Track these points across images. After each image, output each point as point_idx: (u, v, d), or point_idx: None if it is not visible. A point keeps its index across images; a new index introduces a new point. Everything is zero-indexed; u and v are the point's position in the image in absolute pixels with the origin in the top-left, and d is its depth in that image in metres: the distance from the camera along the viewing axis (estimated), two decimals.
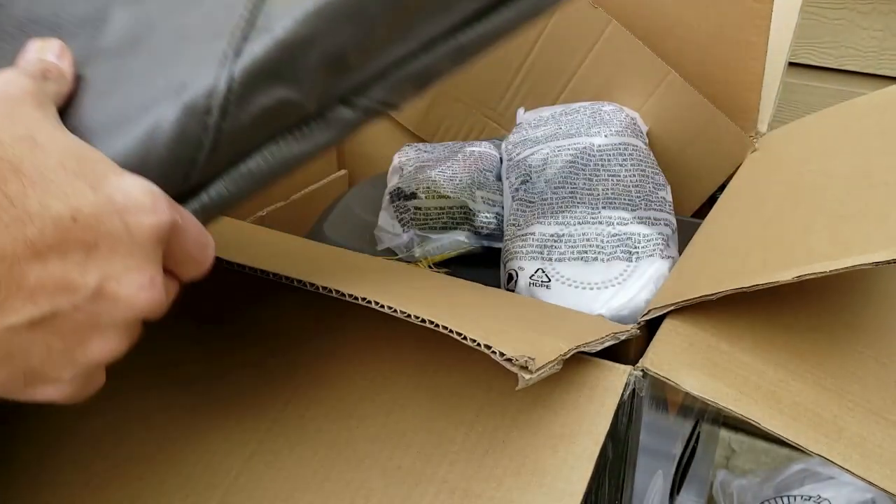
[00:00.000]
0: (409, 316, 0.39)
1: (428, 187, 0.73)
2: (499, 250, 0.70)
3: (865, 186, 0.53)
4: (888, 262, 0.43)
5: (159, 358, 0.52)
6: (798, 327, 0.52)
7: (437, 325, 0.38)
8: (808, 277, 0.45)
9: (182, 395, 0.50)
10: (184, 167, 0.37)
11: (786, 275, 0.46)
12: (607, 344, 0.47)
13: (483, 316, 0.46)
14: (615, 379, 0.47)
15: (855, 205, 0.51)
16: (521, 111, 0.85)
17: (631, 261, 0.63)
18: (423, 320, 0.38)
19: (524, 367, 0.37)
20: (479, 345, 0.37)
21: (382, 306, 0.39)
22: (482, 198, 0.75)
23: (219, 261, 0.43)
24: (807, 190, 0.58)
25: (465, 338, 0.37)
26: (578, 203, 0.67)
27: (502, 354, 0.37)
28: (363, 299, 0.40)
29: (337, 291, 0.41)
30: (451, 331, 0.38)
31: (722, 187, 0.78)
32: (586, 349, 0.45)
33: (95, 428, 0.49)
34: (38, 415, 0.50)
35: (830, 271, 0.45)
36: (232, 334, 0.53)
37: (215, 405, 0.49)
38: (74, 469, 0.48)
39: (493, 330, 0.40)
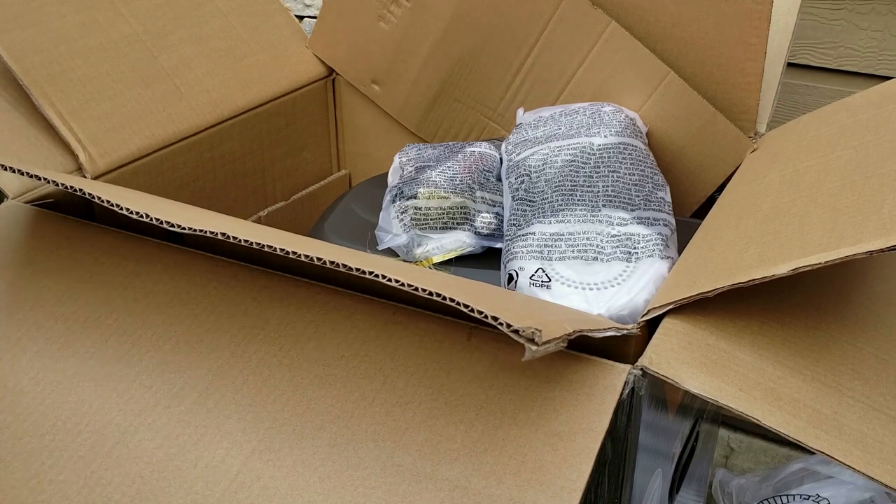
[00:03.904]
0: (416, 289, 0.38)
1: (428, 187, 0.73)
2: (499, 251, 0.70)
3: (860, 179, 0.53)
4: (882, 251, 0.43)
5: (160, 357, 0.52)
6: (796, 324, 0.52)
7: (444, 298, 0.38)
8: (803, 270, 0.45)
9: (183, 394, 0.50)
10: None
11: (782, 268, 0.46)
12: (609, 333, 0.47)
13: (489, 297, 0.46)
14: (614, 378, 0.47)
15: (850, 197, 0.51)
16: (520, 111, 0.85)
17: (630, 261, 0.63)
18: (431, 293, 0.38)
19: (531, 339, 0.37)
20: (485, 316, 0.37)
21: (389, 280, 0.39)
22: (482, 198, 0.75)
23: (223, 238, 0.43)
24: (803, 185, 0.58)
25: (472, 310, 0.37)
26: (579, 201, 0.67)
27: (509, 326, 0.37)
28: (371, 273, 0.39)
29: (345, 266, 0.40)
30: (458, 303, 0.37)
31: (721, 188, 0.78)
32: (590, 333, 0.45)
33: (96, 426, 0.49)
34: (37, 412, 0.51)
35: (825, 262, 0.45)
36: (234, 334, 0.53)
37: (216, 404, 0.49)
38: (74, 468, 0.48)
39: (499, 307, 0.40)
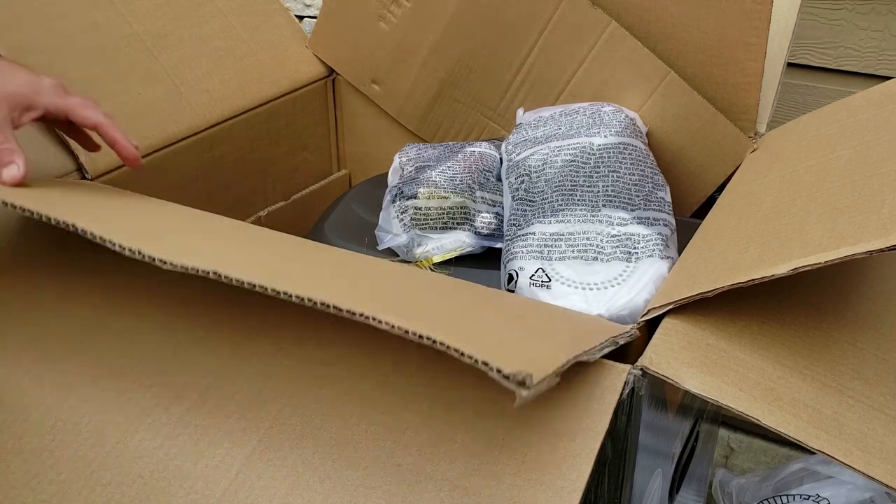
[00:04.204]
0: (406, 332, 0.39)
1: (428, 187, 0.73)
2: (499, 250, 0.70)
3: (860, 178, 0.53)
4: (882, 251, 0.43)
5: (161, 357, 0.52)
6: (797, 324, 0.52)
7: (434, 342, 0.38)
8: (803, 269, 0.45)
9: (184, 394, 0.50)
10: None
11: (782, 268, 0.46)
12: (606, 350, 0.47)
13: (481, 323, 0.46)
14: (614, 378, 0.47)
15: (850, 197, 0.51)
16: (520, 111, 0.85)
17: (630, 261, 0.63)
18: (422, 336, 0.38)
19: (521, 384, 0.37)
20: (476, 361, 0.37)
21: (380, 322, 0.39)
22: (482, 198, 0.75)
23: (215, 277, 0.44)
24: (803, 185, 0.58)
25: (462, 354, 0.38)
26: (579, 201, 0.67)
27: (499, 371, 0.37)
28: (361, 315, 0.40)
29: (335, 308, 0.41)
30: (448, 347, 0.38)
31: (721, 188, 0.78)
32: (585, 357, 0.44)
33: (96, 426, 0.49)
34: (38, 412, 0.51)
35: (825, 262, 0.45)
36: (234, 335, 0.53)
37: (216, 404, 0.49)
38: (74, 467, 0.48)
39: (490, 342, 0.40)
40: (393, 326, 0.39)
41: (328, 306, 0.40)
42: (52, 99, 0.59)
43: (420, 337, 0.38)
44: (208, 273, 0.43)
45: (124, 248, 0.46)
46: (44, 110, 0.60)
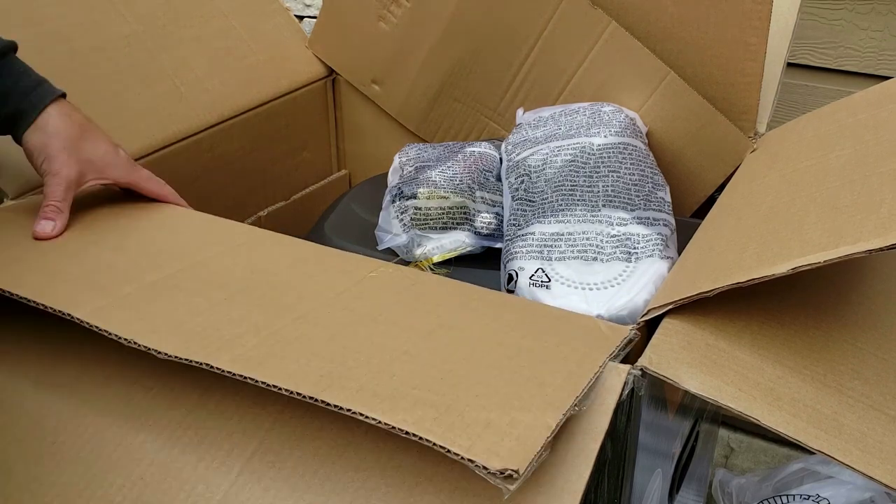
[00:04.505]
0: (393, 428, 0.40)
1: (428, 187, 0.73)
2: (499, 250, 0.70)
3: (859, 178, 0.53)
4: (881, 250, 0.43)
5: (161, 359, 0.52)
6: (796, 325, 0.52)
7: (420, 438, 0.40)
8: (803, 269, 0.45)
9: (184, 395, 0.50)
10: None
11: (781, 268, 0.46)
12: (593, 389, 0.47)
13: (469, 381, 0.45)
14: (614, 378, 0.47)
15: (849, 196, 0.51)
16: (520, 111, 0.85)
17: (630, 261, 0.63)
18: (408, 433, 0.40)
19: (508, 478, 0.38)
20: (462, 458, 0.38)
21: (367, 417, 0.41)
22: (482, 198, 0.75)
23: (208, 367, 0.45)
24: (802, 184, 0.58)
25: (448, 451, 0.39)
26: (578, 201, 0.67)
27: (486, 469, 0.38)
28: (349, 410, 0.41)
29: (324, 402, 0.42)
30: (434, 444, 0.39)
31: (721, 187, 0.79)
32: (576, 411, 0.44)
33: (97, 428, 0.49)
34: (39, 414, 0.51)
35: (824, 261, 0.45)
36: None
37: (217, 405, 0.49)
38: (76, 470, 0.48)
39: (476, 422, 0.41)
40: (380, 422, 0.41)
41: (316, 400, 0.42)
42: (123, 174, 0.67)
43: (406, 433, 0.40)
44: (201, 364, 0.46)
45: (121, 338, 0.48)
46: (112, 181, 0.67)
